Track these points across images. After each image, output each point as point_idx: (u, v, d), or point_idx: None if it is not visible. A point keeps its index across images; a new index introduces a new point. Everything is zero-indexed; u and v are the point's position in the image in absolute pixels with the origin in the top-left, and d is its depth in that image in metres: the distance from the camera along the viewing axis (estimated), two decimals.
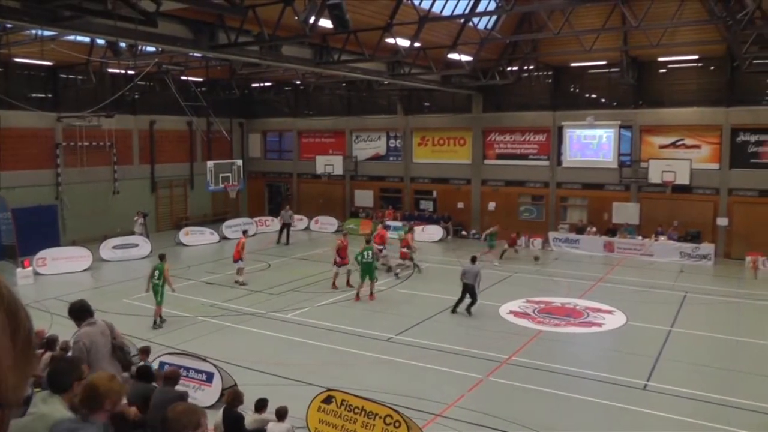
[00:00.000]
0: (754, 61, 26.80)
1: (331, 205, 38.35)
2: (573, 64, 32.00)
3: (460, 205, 35.45)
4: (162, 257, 18.30)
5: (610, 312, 19.54)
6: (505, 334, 17.15)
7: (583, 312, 19.54)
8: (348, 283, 21.95)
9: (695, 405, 12.81)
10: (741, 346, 16.69)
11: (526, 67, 32.11)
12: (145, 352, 11.13)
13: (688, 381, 14.09)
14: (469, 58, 27.07)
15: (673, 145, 30.68)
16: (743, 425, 11.84)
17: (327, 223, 36.63)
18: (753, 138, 28.95)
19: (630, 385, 13.76)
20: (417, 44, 23.07)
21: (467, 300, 18.78)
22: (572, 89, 33.17)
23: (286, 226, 32.32)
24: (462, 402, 12.57)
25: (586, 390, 13.54)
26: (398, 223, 32.45)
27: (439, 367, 14.49)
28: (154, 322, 17.42)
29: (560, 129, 32.44)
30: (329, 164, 37.40)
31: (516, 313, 19.21)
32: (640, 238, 29.46)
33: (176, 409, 4.72)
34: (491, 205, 34.53)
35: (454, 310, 18.89)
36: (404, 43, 22.31)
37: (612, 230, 30.72)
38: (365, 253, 20.62)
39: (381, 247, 24.67)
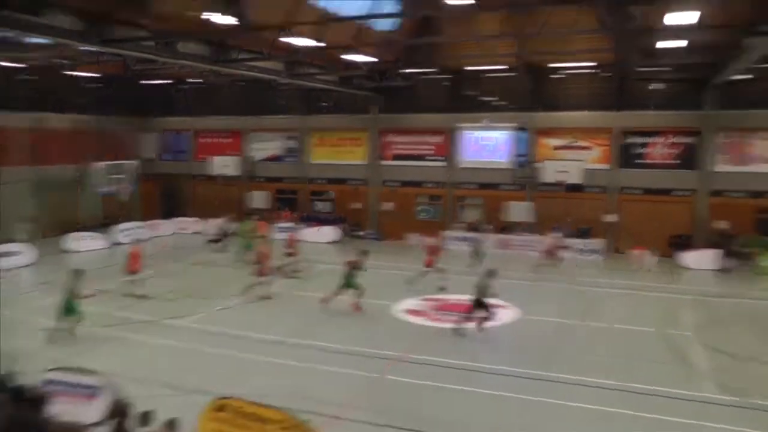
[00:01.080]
0: (640, 69, 28.65)
1: (227, 207, 36.99)
2: (471, 68, 32.60)
3: (357, 205, 35.48)
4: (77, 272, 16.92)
5: (505, 307, 19.93)
6: (400, 333, 17.25)
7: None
8: (262, 295, 20.58)
9: (590, 391, 13.38)
10: (632, 334, 17.64)
11: (424, 70, 32.37)
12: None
13: (581, 369, 14.65)
14: (368, 60, 27.04)
15: (567, 146, 32.07)
16: (643, 409, 12.47)
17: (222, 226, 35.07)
18: (640, 140, 31.04)
19: (528, 377, 14.11)
20: (316, 44, 22.82)
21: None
22: (470, 92, 33.72)
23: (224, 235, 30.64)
24: (360, 402, 12.48)
25: (485, 383, 13.70)
26: (297, 225, 32.05)
27: (336, 368, 14.33)
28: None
29: (457, 131, 32.95)
30: (226, 165, 36.64)
31: (413, 312, 19.29)
32: (534, 235, 30.37)
33: None
34: (388, 206, 34.75)
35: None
36: (303, 42, 22.02)
37: (507, 228, 31.55)
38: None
39: (290, 250, 24.16)
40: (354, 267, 19.35)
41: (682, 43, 21.99)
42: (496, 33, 26.17)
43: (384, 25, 26.93)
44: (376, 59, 27.40)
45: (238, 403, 9.92)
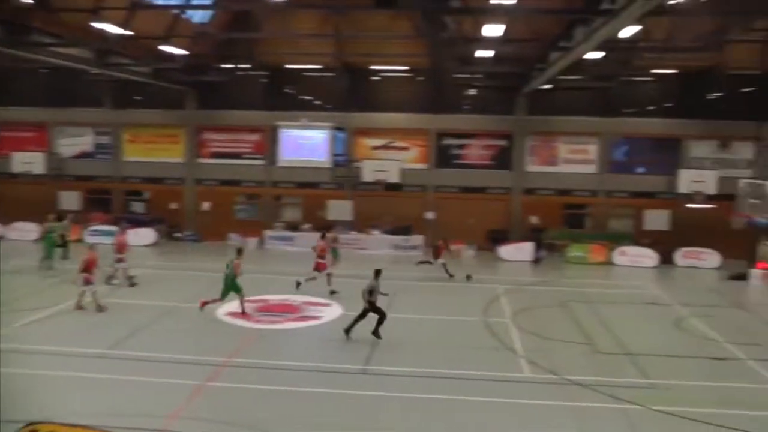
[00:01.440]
0: (455, 75, 30.37)
1: (33, 209, 32.86)
2: (289, 66, 32.51)
3: (174, 205, 34.14)
4: None
5: (327, 305, 20.11)
6: (224, 337, 16.79)
7: (301, 307, 19.85)
8: (79, 305, 18.75)
9: (413, 381, 13.92)
10: (448, 324, 18.57)
11: (241, 66, 31.74)
12: None
13: (403, 360, 15.20)
14: (183, 52, 26.10)
15: (385, 146, 33.17)
16: (472, 393, 13.28)
17: (27, 230, 31.88)
18: (455, 142, 33.10)
19: (349, 372, 14.33)
20: (126, 32, 21.58)
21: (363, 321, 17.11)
22: (288, 90, 33.57)
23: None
24: (183, 412, 11.94)
25: (309, 382, 13.67)
26: (112, 228, 29.94)
27: (157, 379, 13.56)
28: None
29: (275, 129, 32.71)
30: (29, 162, 32.89)
31: (234, 314, 18.84)
32: (354, 233, 31.10)
33: None
34: (206, 205, 33.80)
35: (376, 333, 16.78)
36: (113, 29, 20.74)
37: (327, 227, 31.69)
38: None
39: (120, 255, 22.36)
40: (237, 270, 18.81)
41: (491, 53, 23.42)
42: (314, 32, 26.31)
43: (201, 17, 26.13)
44: (191, 53, 26.54)
45: (54, 428, 9.07)
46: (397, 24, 27.88)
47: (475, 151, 33.08)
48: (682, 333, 18.90)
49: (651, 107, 32.41)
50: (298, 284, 21.77)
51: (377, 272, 17.17)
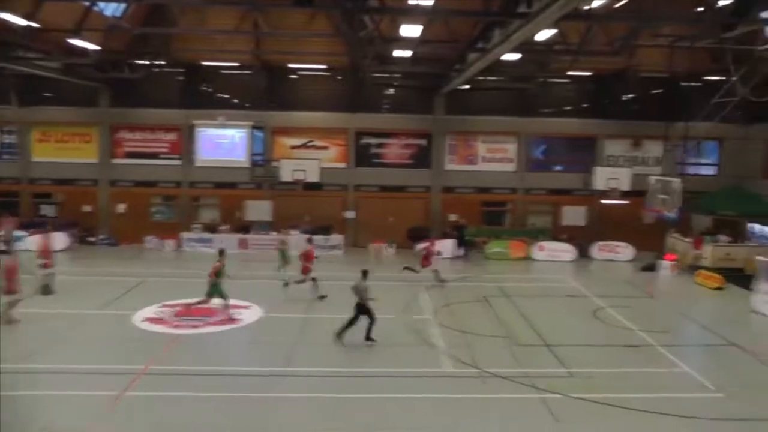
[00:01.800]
0: (374, 74, 30.58)
1: None
2: (206, 63, 31.80)
3: (87, 208, 32.83)
4: None
5: (247, 307, 19.70)
6: (142, 344, 16.12)
7: (221, 310, 19.31)
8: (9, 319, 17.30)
9: (335, 381, 13.80)
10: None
11: (157, 62, 30.79)
12: None
13: (324, 360, 15.09)
14: (95, 47, 25.12)
15: (304, 145, 32.91)
16: (396, 390, 13.30)
17: None
18: (374, 141, 33.14)
19: (270, 374, 14.04)
20: (30, 23, 20.57)
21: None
22: (205, 88, 32.82)
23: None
24: (98, 426, 11.38)
25: (230, 386, 13.32)
26: (22, 232, 28.46)
27: (73, 392, 12.81)
28: None
29: (192, 128, 31.93)
30: None
31: (152, 320, 18.21)
32: (273, 233, 30.55)
33: None
34: (121, 207, 32.68)
35: (368, 337, 16.37)
36: (18, 21, 19.72)
37: (246, 227, 31.27)
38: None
39: (45, 261, 20.96)
40: (217, 274, 18.25)
41: (409, 53, 23.53)
42: (232, 29, 25.81)
43: (114, 10, 25.22)
44: (104, 48, 25.61)
45: None
46: (316, 22, 27.71)
47: (395, 150, 33.23)
48: (599, 323, 19.43)
49: (568, 108, 33.46)
50: (286, 284, 21.38)
51: (365, 273, 16.69)
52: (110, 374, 13.82)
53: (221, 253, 19.23)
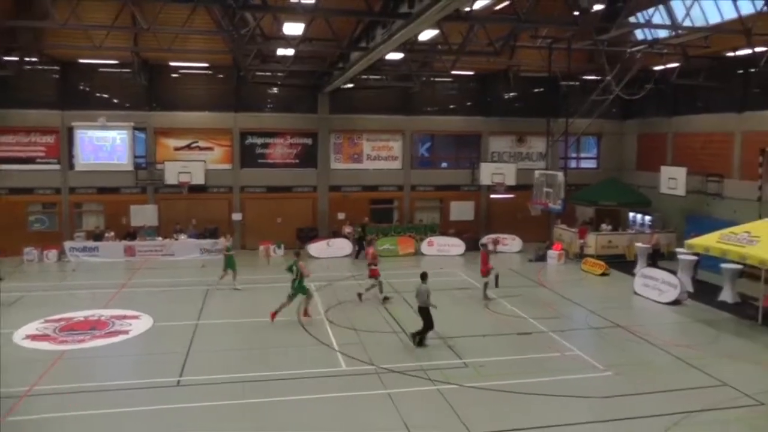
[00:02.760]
0: (257, 73, 30.20)
1: None
2: (82, 61, 30.26)
3: None
4: None
5: (136, 317, 19.09)
6: (24, 364, 15.10)
7: (109, 322, 18.63)
8: None
9: (233, 387, 13.61)
10: (261, 326, 18.23)
11: (28, 59, 28.97)
12: None
13: (220, 367, 14.82)
14: None
15: (188, 147, 32.03)
16: (281, 393, 13.30)
17: None
18: (259, 141, 32.69)
19: (165, 385, 13.72)
20: None
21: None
22: (83, 87, 31.26)
23: None
24: None
25: (123, 401, 12.83)
26: None
27: None
28: None
29: (71, 130, 30.36)
30: None
31: (34, 337, 17.25)
32: (160, 239, 29.88)
33: None
34: None
35: (421, 343, 16.33)
36: None
37: (132, 234, 30.11)
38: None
39: None
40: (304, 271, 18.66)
41: (292, 52, 23.43)
42: (107, 23, 24.63)
43: None
44: None
45: None
46: (196, 18, 26.86)
47: (280, 150, 32.86)
48: (492, 314, 20.09)
49: (452, 106, 34.28)
50: (360, 296, 21.26)
51: (423, 276, 16.70)
52: None
53: (298, 254, 19.58)
